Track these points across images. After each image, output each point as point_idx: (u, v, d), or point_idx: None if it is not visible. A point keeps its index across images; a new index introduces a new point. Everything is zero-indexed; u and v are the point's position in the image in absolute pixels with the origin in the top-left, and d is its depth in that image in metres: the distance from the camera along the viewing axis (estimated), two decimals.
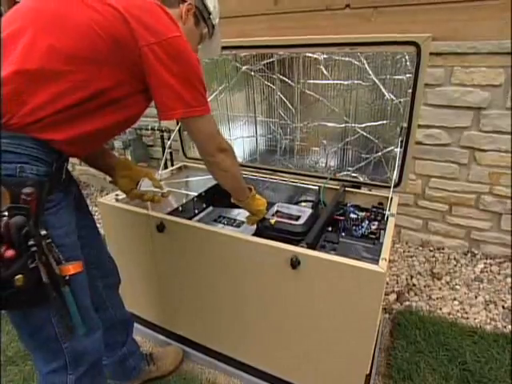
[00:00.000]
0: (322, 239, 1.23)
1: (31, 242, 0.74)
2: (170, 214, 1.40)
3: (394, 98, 1.35)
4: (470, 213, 2.18)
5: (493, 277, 2.04)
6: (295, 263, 1.06)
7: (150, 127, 2.84)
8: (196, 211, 1.63)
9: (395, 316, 1.75)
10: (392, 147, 1.44)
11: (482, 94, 1.91)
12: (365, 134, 1.47)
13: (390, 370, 1.47)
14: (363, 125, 1.46)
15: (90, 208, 1.22)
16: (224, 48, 1.54)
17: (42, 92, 0.79)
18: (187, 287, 1.40)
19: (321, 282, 1.08)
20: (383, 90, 1.35)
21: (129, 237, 1.42)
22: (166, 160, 1.84)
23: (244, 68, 1.57)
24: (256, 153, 1.78)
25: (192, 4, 1.04)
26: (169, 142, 1.98)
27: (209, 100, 1.71)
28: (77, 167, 3.50)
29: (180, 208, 1.50)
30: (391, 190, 1.39)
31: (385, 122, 1.41)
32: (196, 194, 1.64)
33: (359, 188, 1.55)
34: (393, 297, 1.91)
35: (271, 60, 1.49)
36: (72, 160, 1.11)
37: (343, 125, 1.49)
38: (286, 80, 1.51)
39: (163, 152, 2.86)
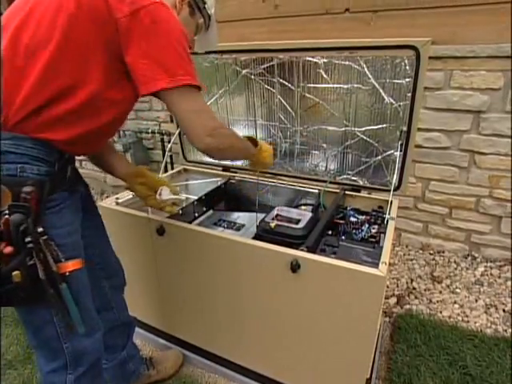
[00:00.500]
0: (322, 243, 1.23)
1: (28, 239, 0.76)
2: (169, 217, 1.39)
3: (394, 102, 1.35)
4: (470, 216, 2.18)
5: (493, 280, 2.04)
6: (295, 267, 1.06)
7: (150, 130, 2.84)
8: (196, 214, 1.63)
9: (395, 319, 1.75)
10: (392, 151, 1.44)
11: (482, 97, 1.92)
12: (365, 137, 1.47)
13: (390, 373, 1.47)
14: (363, 128, 1.46)
15: None
16: (224, 52, 1.55)
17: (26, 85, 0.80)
18: (187, 290, 1.40)
19: (321, 285, 1.08)
20: (383, 93, 1.36)
21: (129, 240, 1.42)
22: (166, 163, 1.85)
23: (244, 72, 1.57)
24: None
25: None
26: (169, 145, 1.99)
27: (209, 103, 1.74)
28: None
29: (180, 211, 1.50)
30: (391, 193, 1.39)
31: (384, 125, 1.41)
32: (196, 197, 1.64)
33: (359, 191, 1.55)
34: (393, 300, 1.91)
35: (271, 64, 1.50)
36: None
37: (343, 128, 1.49)
38: (286, 84, 1.51)
39: (163, 155, 2.87)
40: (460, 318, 1.78)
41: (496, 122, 1.93)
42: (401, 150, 1.39)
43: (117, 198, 1.50)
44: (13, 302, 0.84)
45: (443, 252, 2.31)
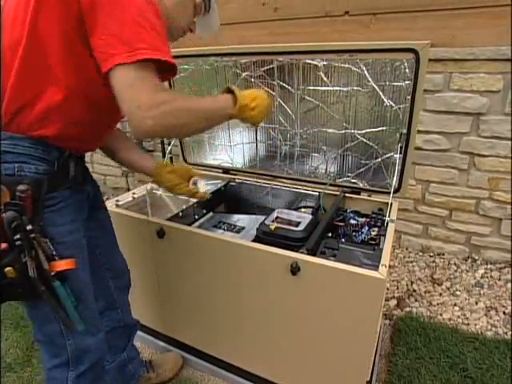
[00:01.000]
0: (322, 245, 1.23)
1: (17, 236, 0.78)
2: (169, 219, 1.40)
3: (394, 105, 1.36)
4: (469, 218, 2.18)
5: (493, 282, 2.04)
6: (295, 269, 1.06)
7: None
8: (196, 217, 1.63)
9: (395, 322, 1.75)
10: (392, 153, 1.44)
11: (481, 99, 1.92)
12: (364, 140, 1.47)
13: (390, 376, 1.46)
14: (363, 131, 1.46)
15: None
16: (224, 55, 1.56)
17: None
18: (187, 293, 1.40)
19: (321, 288, 1.08)
20: (382, 96, 1.36)
21: (129, 242, 1.42)
22: None
23: (244, 74, 1.58)
24: (256, 159, 1.78)
25: None
26: (169, 148, 1.99)
27: None
28: None
29: (180, 214, 1.50)
30: (391, 195, 1.39)
31: (384, 128, 1.41)
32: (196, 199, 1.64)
33: (359, 194, 1.55)
34: (393, 302, 1.91)
35: (271, 66, 1.50)
36: None
37: (343, 131, 1.50)
38: (286, 86, 1.52)
39: (163, 157, 2.87)
40: (460, 321, 1.78)
41: (495, 124, 1.93)
42: (400, 153, 1.39)
43: (117, 201, 1.50)
44: (10, 297, 0.85)
45: (443, 254, 2.31)
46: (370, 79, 1.35)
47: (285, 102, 1.56)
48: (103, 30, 0.75)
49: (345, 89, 1.41)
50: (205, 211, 1.70)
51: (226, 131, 1.79)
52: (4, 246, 0.77)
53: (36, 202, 0.82)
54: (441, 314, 1.82)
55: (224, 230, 1.55)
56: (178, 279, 1.39)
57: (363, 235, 1.32)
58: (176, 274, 1.38)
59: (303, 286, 1.10)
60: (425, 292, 1.99)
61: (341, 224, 1.39)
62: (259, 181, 1.74)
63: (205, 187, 1.23)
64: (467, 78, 1.92)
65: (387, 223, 1.29)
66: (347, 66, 1.36)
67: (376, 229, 1.34)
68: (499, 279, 2.06)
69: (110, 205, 1.45)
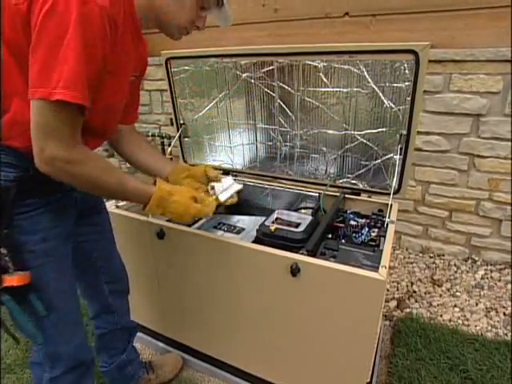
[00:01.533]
0: (322, 246, 1.23)
1: None
2: (169, 220, 1.40)
3: (394, 106, 1.36)
4: (470, 219, 2.18)
5: (493, 283, 2.04)
6: (295, 270, 1.06)
7: (150, 133, 2.85)
8: (196, 218, 1.63)
9: (396, 323, 1.74)
10: (391, 154, 1.44)
11: (481, 100, 1.92)
12: (364, 141, 1.47)
13: (390, 377, 1.46)
14: (363, 132, 1.46)
15: None
16: (224, 56, 1.56)
17: None
18: (187, 294, 1.40)
19: (321, 289, 1.08)
20: (382, 97, 1.36)
21: (129, 244, 1.42)
22: None
23: (244, 75, 1.58)
24: (256, 160, 1.78)
25: None
26: (169, 149, 1.99)
27: (209, 107, 1.75)
28: None
29: None
30: (391, 196, 1.39)
31: (384, 129, 1.41)
32: None
33: (359, 195, 1.55)
34: (393, 304, 1.91)
35: (271, 68, 1.50)
36: None
37: (343, 132, 1.50)
38: (286, 87, 1.52)
39: None
40: (460, 322, 1.78)
41: (495, 126, 1.94)
42: (400, 154, 1.39)
43: (117, 202, 1.50)
44: None
45: (443, 255, 2.31)
46: (369, 80, 1.35)
47: (285, 103, 1.56)
48: (36, 56, 0.71)
49: (345, 90, 1.41)
50: None
51: (226, 132, 1.79)
52: None
53: (2, 209, 0.81)
54: (441, 315, 1.82)
55: (224, 231, 1.55)
56: (178, 280, 1.39)
57: (363, 236, 1.32)
58: (176, 274, 1.38)
59: (303, 287, 1.10)
60: (425, 293, 1.99)
61: (341, 225, 1.39)
62: (259, 182, 1.74)
63: (226, 195, 1.14)
64: (467, 79, 1.92)
65: (387, 224, 1.29)
66: (347, 67, 1.36)
67: (376, 230, 1.34)
68: (499, 280, 2.06)
69: (109, 206, 1.45)
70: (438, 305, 1.89)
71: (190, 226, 1.49)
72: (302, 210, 1.58)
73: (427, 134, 2.10)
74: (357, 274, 1.00)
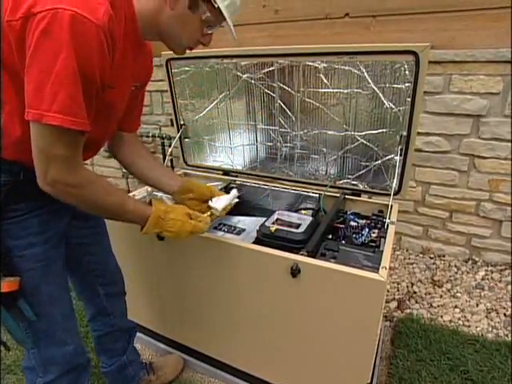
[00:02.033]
0: (323, 247, 1.23)
1: None
2: None
3: (394, 107, 1.36)
4: (470, 220, 2.18)
5: (494, 284, 2.03)
6: (295, 271, 1.06)
7: (150, 134, 2.85)
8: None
9: (396, 324, 1.74)
10: (392, 155, 1.44)
11: (481, 101, 1.92)
12: (364, 141, 1.47)
13: (391, 379, 1.46)
14: (363, 133, 1.46)
15: None
16: (225, 57, 1.56)
17: None
18: (187, 295, 1.40)
19: (321, 290, 1.08)
20: (383, 98, 1.36)
21: (129, 245, 1.42)
22: (167, 167, 1.86)
23: (244, 76, 1.58)
24: (256, 160, 1.78)
25: None
26: (170, 149, 1.99)
27: (209, 108, 1.75)
28: None
29: None
30: (391, 197, 1.39)
31: (384, 130, 1.41)
32: None
33: (359, 196, 1.55)
34: (393, 304, 1.90)
35: (271, 68, 1.50)
36: None
37: (343, 133, 1.50)
38: (286, 88, 1.52)
39: (164, 159, 2.87)
40: (461, 323, 1.77)
41: (495, 126, 1.94)
42: (401, 155, 1.39)
43: None
44: None
45: (444, 256, 2.31)
46: (370, 81, 1.35)
47: (285, 103, 1.56)
48: (31, 76, 0.70)
49: (345, 91, 1.42)
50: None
51: (227, 132, 1.79)
52: None
53: None
54: (441, 316, 1.82)
55: (224, 231, 1.55)
56: (179, 281, 1.39)
57: (363, 237, 1.31)
58: (176, 275, 1.38)
59: (303, 288, 1.10)
60: (425, 294, 1.98)
61: (341, 226, 1.39)
62: (259, 182, 1.74)
63: (221, 209, 1.18)
64: (467, 79, 1.92)
65: (387, 225, 1.29)
66: (347, 68, 1.37)
67: (376, 231, 1.34)
68: (500, 281, 2.06)
69: None
70: (438, 306, 1.89)
71: None
72: (303, 211, 1.58)
73: (427, 134, 2.10)
74: (357, 275, 1.00)
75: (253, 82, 1.57)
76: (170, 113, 2.10)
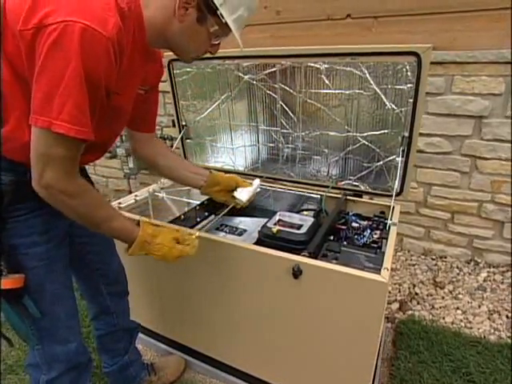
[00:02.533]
0: (324, 248, 1.23)
1: None
2: (171, 222, 1.40)
3: (396, 108, 1.36)
4: (472, 221, 2.18)
5: (496, 286, 2.03)
6: (297, 272, 1.06)
7: None
8: (198, 219, 1.63)
9: (398, 325, 1.74)
10: (393, 156, 1.44)
11: (483, 102, 1.92)
12: (366, 143, 1.47)
13: (392, 380, 1.46)
14: (365, 134, 1.46)
15: None
16: (226, 58, 1.56)
17: None
18: (189, 295, 1.40)
19: (323, 291, 1.08)
20: (384, 99, 1.36)
21: None
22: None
23: (246, 77, 1.58)
24: (258, 161, 1.79)
25: None
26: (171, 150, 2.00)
27: (211, 109, 1.75)
28: None
29: (182, 216, 1.50)
30: (393, 198, 1.39)
31: (386, 131, 1.41)
32: (198, 202, 1.64)
33: (361, 197, 1.55)
34: (395, 306, 1.90)
35: (273, 69, 1.51)
36: None
37: (345, 134, 1.50)
38: (288, 89, 1.52)
39: None
40: (463, 324, 1.77)
41: (497, 127, 1.93)
42: (402, 156, 1.39)
43: (119, 203, 1.51)
44: None
45: (445, 257, 2.30)
46: (371, 82, 1.35)
47: (287, 104, 1.56)
48: (40, 84, 0.72)
49: (347, 92, 1.42)
50: (207, 214, 1.70)
51: (228, 133, 1.79)
52: None
53: None
54: (443, 318, 1.81)
55: (226, 232, 1.55)
56: (180, 282, 1.39)
57: (365, 238, 1.31)
58: (178, 276, 1.38)
59: (305, 289, 1.10)
60: (427, 295, 1.98)
61: (343, 227, 1.39)
62: (261, 183, 1.73)
63: (247, 197, 1.24)
64: (469, 80, 1.92)
65: (389, 226, 1.29)
66: (349, 69, 1.37)
67: (378, 232, 1.34)
68: (502, 282, 2.05)
69: None
70: (440, 307, 1.89)
71: (192, 227, 1.49)
72: (304, 212, 1.58)
73: (429, 135, 2.09)
74: (359, 276, 1.00)
75: (254, 83, 1.57)
76: (171, 114, 2.11)
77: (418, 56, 1.21)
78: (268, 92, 1.57)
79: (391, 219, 1.31)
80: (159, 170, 1.24)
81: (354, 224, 1.39)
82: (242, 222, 1.63)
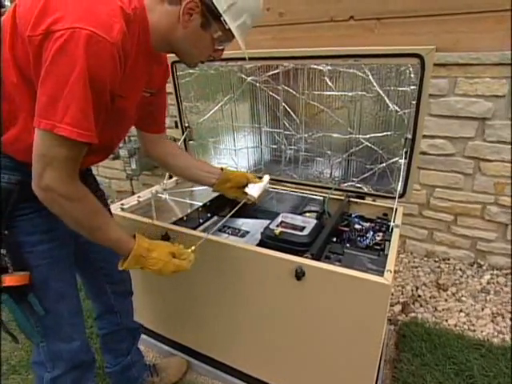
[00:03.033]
0: (327, 250, 1.22)
1: None
2: (174, 223, 1.40)
3: (399, 110, 1.36)
4: (475, 223, 2.17)
5: (499, 288, 2.02)
6: (300, 274, 1.06)
7: None
8: (201, 221, 1.64)
9: (400, 327, 1.73)
10: (396, 158, 1.44)
11: (486, 104, 1.91)
12: (369, 144, 1.47)
13: (395, 382, 1.45)
14: (367, 136, 1.46)
15: None
16: (229, 59, 1.57)
17: None
18: (191, 297, 1.40)
19: (325, 293, 1.07)
20: (387, 101, 1.36)
21: None
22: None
23: (249, 79, 1.59)
24: (260, 163, 1.79)
25: (196, 1, 0.82)
26: None
27: (214, 110, 1.75)
28: None
29: (185, 217, 1.51)
30: (396, 200, 1.39)
31: (389, 133, 1.41)
32: (201, 203, 1.65)
33: (364, 198, 1.55)
34: (398, 308, 1.89)
35: (276, 71, 1.51)
36: None
37: (348, 136, 1.50)
38: (291, 91, 1.52)
39: None
40: (466, 327, 1.76)
41: (501, 129, 1.93)
42: (405, 158, 1.39)
43: (122, 204, 1.51)
44: None
45: (448, 259, 2.29)
46: (374, 84, 1.35)
47: (289, 106, 1.56)
48: (44, 88, 0.73)
49: (350, 94, 1.42)
50: (209, 215, 1.70)
51: (231, 135, 1.79)
52: None
53: (3, 211, 0.84)
54: (446, 320, 1.80)
55: (228, 234, 1.55)
56: (182, 283, 1.39)
57: (368, 240, 1.31)
58: (180, 277, 1.38)
59: (308, 291, 1.09)
60: (430, 297, 1.97)
61: (345, 229, 1.39)
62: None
63: (256, 192, 1.24)
64: (472, 82, 1.92)
65: (392, 228, 1.28)
66: (352, 70, 1.37)
67: (381, 234, 1.33)
68: (506, 285, 2.04)
69: (115, 208, 1.45)
70: (443, 309, 1.88)
71: (194, 228, 1.50)
72: (307, 214, 1.58)
73: (432, 137, 2.09)
74: (362, 279, 1.00)
75: (257, 84, 1.58)
76: (174, 115, 2.11)
77: (421, 58, 1.21)
78: (271, 94, 1.57)
79: (394, 221, 1.31)
80: (171, 169, 1.27)
81: (357, 226, 1.39)
82: (245, 223, 1.63)
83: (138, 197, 1.61)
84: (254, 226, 1.59)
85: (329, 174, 1.63)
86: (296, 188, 1.70)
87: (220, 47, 0.94)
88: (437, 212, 2.24)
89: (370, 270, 1.09)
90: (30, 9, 0.74)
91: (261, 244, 1.29)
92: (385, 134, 1.42)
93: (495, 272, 2.15)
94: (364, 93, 1.39)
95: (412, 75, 1.28)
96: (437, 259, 2.31)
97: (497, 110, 1.91)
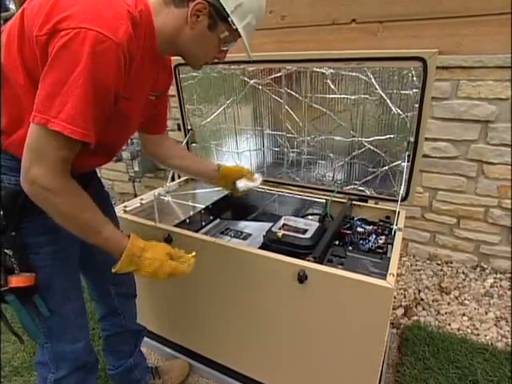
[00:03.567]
0: (330, 253, 1.22)
1: None
2: (177, 226, 1.40)
3: (401, 113, 1.35)
4: (478, 226, 2.16)
5: (503, 292, 2.01)
6: (302, 277, 1.06)
7: None
8: (203, 223, 1.64)
9: (403, 331, 1.72)
10: (399, 161, 1.44)
11: (489, 107, 1.91)
12: (372, 147, 1.47)
13: None
14: (370, 139, 1.46)
15: None
16: (232, 62, 1.57)
17: None
18: (193, 299, 1.40)
19: (328, 296, 1.07)
20: (390, 104, 1.36)
21: None
22: (174, 172, 1.87)
23: (252, 82, 1.59)
24: (263, 165, 1.79)
25: (204, 2, 0.83)
26: None
27: (216, 113, 1.76)
28: None
29: (187, 220, 1.51)
30: (398, 203, 1.39)
31: (392, 136, 1.41)
32: (203, 206, 1.65)
33: (366, 201, 1.55)
34: (400, 311, 1.89)
35: (279, 74, 1.51)
36: None
37: (350, 139, 1.50)
38: (294, 94, 1.52)
39: None
40: (469, 331, 1.75)
41: (504, 132, 1.92)
42: (408, 161, 1.39)
43: (125, 206, 1.52)
44: None
45: (451, 263, 2.28)
46: (377, 87, 1.35)
47: (292, 109, 1.57)
48: (44, 84, 0.73)
49: (352, 97, 1.42)
50: (212, 218, 1.70)
51: (234, 137, 1.80)
52: None
53: (11, 212, 0.84)
54: (449, 324, 1.80)
55: (231, 236, 1.55)
56: (185, 286, 1.39)
57: (370, 243, 1.31)
58: (182, 280, 1.38)
59: (310, 294, 1.09)
60: (433, 301, 1.96)
61: (348, 232, 1.39)
62: (266, 188, 1.74)
63: (244, 187, 1.35)
64: (475, 85, 1.91)
65: (394, 231, 1.28)
66: (355, 74, 1.37)
67: (383, 237, 1.33)
68: (509, 289, 2.03)
69: (117, 210, 1.46)
70: (446, 313, 1.87)
71: (197, 231, 1.50)
72: (309, 217, 1.58)
73: (435, 140, 2.08)
74: (364, 282, 0.99)
75: (260, 87, 1.58)
76: (177, 117, 2.12)
77: (424, 61, 1.21)
78: (273, 97, 1.57)
79: (397, 224, 1.31)
80: (172, 168, 1.33)
81: (360, 229, 1.39)
82: (247, 226, 1.63)
83: (141, 199, 1.61)
84: (256, 228, 1.59)
85: (331, 176, 1.63)
86: (298, 191, 1.70)
87: (225, 48, 0.96)
88: (439, 215, 2.24)
89: (372, 273, 1.09)
90: (37, 12, 0.75)
91: (263, 247, 1.29)
92: (387, 137, 1.42)
93: (498, 275, 2.13)
94: (367, 96, 1.39)
95: (415, 78, 1.28)
96: (439, 262, 2.30)
97: (500, 113, 1.90)
